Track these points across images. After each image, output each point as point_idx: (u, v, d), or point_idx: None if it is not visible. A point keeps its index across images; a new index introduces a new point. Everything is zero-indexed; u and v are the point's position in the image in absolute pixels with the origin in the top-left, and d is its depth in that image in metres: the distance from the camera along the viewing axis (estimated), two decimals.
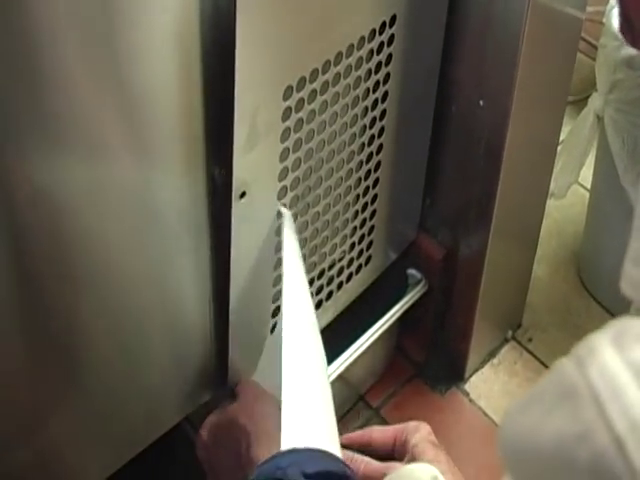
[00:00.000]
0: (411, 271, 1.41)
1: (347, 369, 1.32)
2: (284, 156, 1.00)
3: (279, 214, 1.02)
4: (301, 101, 0.98)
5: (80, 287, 0.88)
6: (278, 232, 1.03)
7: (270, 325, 1.13)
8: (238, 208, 0.95)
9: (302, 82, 0.96)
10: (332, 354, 1.29)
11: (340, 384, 1.37)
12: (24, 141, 0.75)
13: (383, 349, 1.47)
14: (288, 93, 0.95)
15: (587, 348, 0.45)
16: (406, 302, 1.39)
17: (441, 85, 1.24)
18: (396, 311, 1.38)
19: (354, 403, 1.50)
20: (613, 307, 1.62)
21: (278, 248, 1.03)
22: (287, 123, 0.97)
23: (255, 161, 0.94)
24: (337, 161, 1.11)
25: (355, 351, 1.33)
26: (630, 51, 1.36)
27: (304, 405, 0.88)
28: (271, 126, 0.95)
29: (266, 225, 1.02)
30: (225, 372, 1.11)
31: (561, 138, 1.43)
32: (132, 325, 0.96)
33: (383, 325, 1.36)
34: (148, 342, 1.00)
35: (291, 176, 1.03)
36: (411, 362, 1.55)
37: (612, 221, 1.57)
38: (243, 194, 0.94)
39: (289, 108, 0.96)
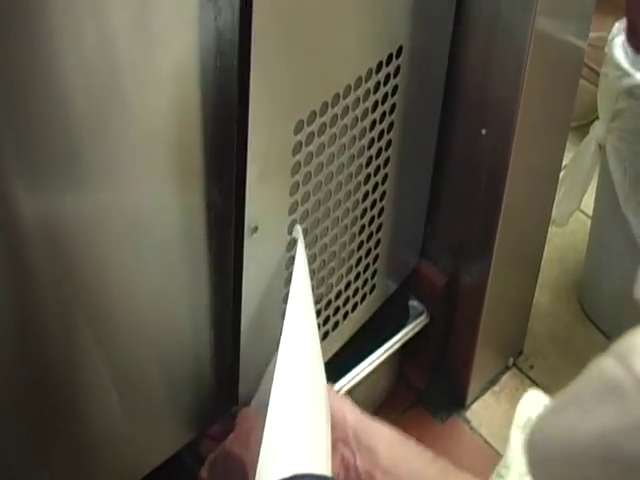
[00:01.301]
0: (413, 302, 1.41)
1: (349, 396, 1.32)
2: (294, 190, 1.00)
3: (293, 232, 1.02)
4: (311, 135, 0.98)
5: (78, 317, 0.88)
6: (288, 265, 1.03)
7: None
8: (250, 242, 0.94)
9: (312, 116, 0.97)
10: (333, 381, 1.28)
11: None
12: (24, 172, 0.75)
13: (384, 377, 1.47)
14: (299, 127, 0.95)
15: (628, 345, 0.45)
16: (407, 332, 1.39)
17: (443, 114, 1.25)
18: (397, 340, 1.37)
19: None
20: (614, 334, 1.60)
21: (288, 281, 1.03)
22: (297, 157, 0.97)
23: (266, 196, 0.95)
24: (344, 193, 1.11)
25: (356, 378, 1.32)
26: (632, 80, 1.36)
27: (288, 423, 0.88)
28: (282, 161, 0.96)
29: (276, 259, 1.02)
30: (225, 401, 1.11)
31: (564, 163, 1.43)
32: (130, 355, 0.96)
33: (384, 354, 1.36)
34: (147, 371, 1.00)
35: (300, 209, 1.03)
36: (412, 389, 1.54)
37: (613, 249, 1.57)
38: (255, 229, 0.94)
39: (300, 142, 0.97)
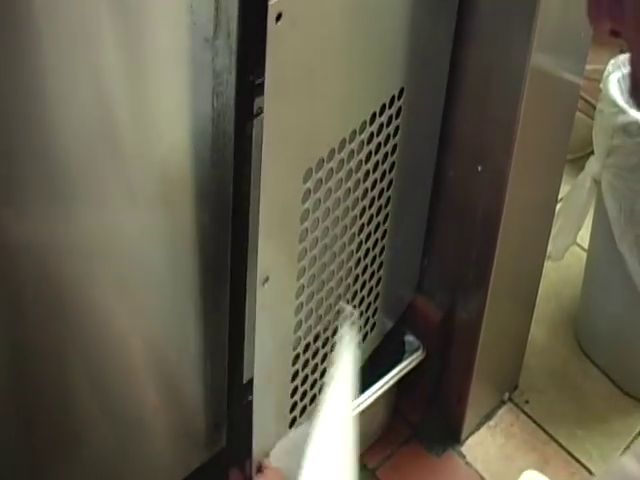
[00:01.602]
0: (409, 337, 1.41)
1: None
2: (303, 237, 1.00)
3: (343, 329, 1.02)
4: (319, 181, 0.99)
5: (69, 355, 0.88)
6: (297, 311, 1.03)
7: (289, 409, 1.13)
8: (261, 293, 0.94)
9: (320, 163, 0.98)
10: None
11: None
12: None
13: (380, 412, 1.46)
14: (308, 175, 0.96)
15: None
16: (403, 368, 1.39)
17: (439, 151, 1.25)
18: (393, 376, 1.37)
19: None
20: (610, 370, 1.62)
21: (297, 327, 1.04)
22: (306, 205, 0.98)
23: (277, 246, 0.95)
24: (349, 236, 1.12)
25: (352, 413, 1.32)
26: (627, 117, 1.37)
27: None
28: (292, 210, 0.96)
29: (287, 305, 1.02)
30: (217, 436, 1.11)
31: (559, 196, 1.43)
32: (127, 399, 0.96)
33: (380, 389, 1.35)
34: (142, 411, 1.00)
35: (309, 255, 1.03)
36: (408, 424, 1.54)
37: (609, 284, 1.57)
38: (267, 279, 0.93)
39: (308, 190, 0.97)
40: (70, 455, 0.95)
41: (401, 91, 1.08)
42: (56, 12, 0.70)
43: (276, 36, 0.78)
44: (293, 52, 0.84)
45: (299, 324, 1.03)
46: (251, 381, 1.16)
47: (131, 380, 0.96)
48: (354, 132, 1.02)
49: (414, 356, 1.41)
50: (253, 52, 0.87)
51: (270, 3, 0.76)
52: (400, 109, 1.10)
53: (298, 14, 0.81)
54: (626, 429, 1.56)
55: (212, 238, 0.93)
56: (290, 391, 1.12)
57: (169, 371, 1.01)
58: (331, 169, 1.00)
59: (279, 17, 0.78)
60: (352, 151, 1.03)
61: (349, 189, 1.06)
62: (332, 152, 0.99)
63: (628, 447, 1.53)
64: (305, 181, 0.96)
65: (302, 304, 1.04)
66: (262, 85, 0.96)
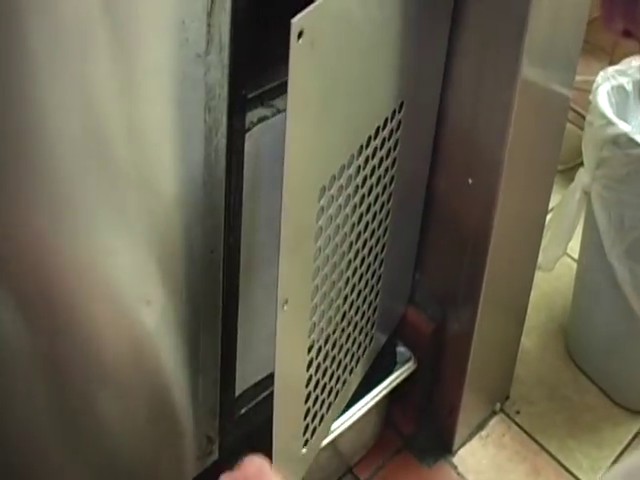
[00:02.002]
0: (400, 349, 1.41)
1: (336, 441, 1.32)
2: (316, 255, 1.00)
3: None
4: (331, 198, 0.99)
5: (68, 374, 0.89)
6: (310, 332, 1.04)
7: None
8: (282, 316, 0.94)
9: (332, 180, 0.98)
10: None
11: (329, 456, 1.36)
12: None
13: (372, 423, 1.47)
14: (322, 193, 0.96)
15: None
16: (395, 379, 1.39)
17: (431, 165, 1.26)
18: (385, 387, 1.38)
19: (343, 474, 1.49)
20: (601, 380, 1.62)
21: (310, 348, 1.05)
22: (320, 222, 0.98)
23: (294, 267, 0.95)
24: (354, 251, 1.12)
25: (344, 425, 1.32)
26: (616, 129, 1.37)
27: None
28: (307, 229, 0.96)
29: (303, 327, 1.02)
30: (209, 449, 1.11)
31: (550, 206, 1.44)
32: (119, 412, 0.97)
33: (372, 400, 1.36)
34: (134, 424, 1.00)
35: (321, 274, 1.03)
36: (400, 435, 1.54)
37: (599, 295, 1.58)
38: (286, 301, 0.93)
39: (322, 207, 0.97)
40: (63, 468, 0.95)
41: (401, 105, 1.09)
42: (49, 27, 0.70)
43: (298, 53, 0.79)
44: (312, 70, 0.84)
45: (312, 345, 1.03)
46: (242, 395, 1.16)
47: (123, 393, 0.96)
48: (361, 147, 1.03)
49: (405, 367, 1.41)
50: (245, 67, 0.88)
51: (293, 21, 0.76)
52: (400, 123, 1.10)
53: (317, 33, 0.81)
54: (617, 439, 1.56)
55: (204, 254, 0.94)
56: (303, 414, 1.12)
57: (162, 384, 1.01)
58: (341, 186, 1.01)
59: (300, 34, 0.78)
60: (358, 167, 1.04)
61: (355, 205, 1.07)
62: (342, 169, 0.99)
63: (619, 457, 1.54)
64: (319, 199, 0.96)
65: (315, 324, 1.04)
66: (255, 99, 0.97)
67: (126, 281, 0.88)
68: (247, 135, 0.94)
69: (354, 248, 1.11)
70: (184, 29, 0.80)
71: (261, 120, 0.97)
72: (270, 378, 1.17)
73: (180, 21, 0.79)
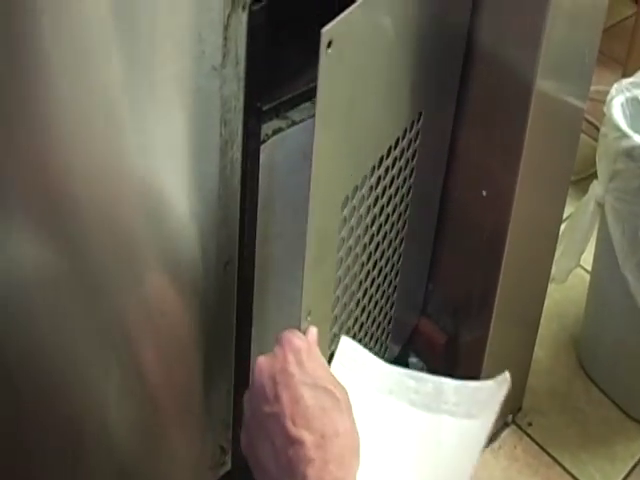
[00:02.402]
0: (412, 359, 1.41)
1: None
2: (338, 266, 1.01)
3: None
4: (353, 209, 0.99)
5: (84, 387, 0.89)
6: (330, 344, 1.03)
7: None
8: (306, 327, 0.92)
9: (355, 190, 0.98)
10: None
11: None
12: None
13: None
14: (345, 203, 0.96)
15: None
16: None
17: (445, 176, 1.26)
18: None
19: None
20: (613, 392, 1.62)
21: (330, 359, 1.04)
22: (342, 233, 0.98)
23: (318, 278, 0.95)
24: (372, 261, 1.12)
25: None
26: (631, 142, 1.37)
27: None
28: (330, 240, 0.96)
29: (323, 340, 1.01)
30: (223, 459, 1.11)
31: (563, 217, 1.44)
32: (134, 422, 0.97)
33: None
34: (148, 434, 1.00)
35: (342, 285, 1.03)
36: None
37: (612, 306, 1.57)
38: (309, 313, 0.93)
39: (344, 218, 0.98)
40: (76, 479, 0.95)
41: (419, 115, 1.09)
42: (65, 37, 0.70)
43: (327, 62, 0.79)
44: (340, 79, 0.84)
45: (330, 358, 1.02)
46: None
47: (137, 402, 0.96)
48: (381, 158, 1.03)
49: None
50: (261, 79, 0.88)
51: (323, 30, 0.77)
52: (418, 133, 1.11)
53: (346, 42, 0.82)
54: (630, 453, 1.56)
55: (218, 266, 0.94)
56: None
57: (175, 394, 1.01)
58: (362, 196, 1.01)
59: (330, 44, 0.79)
60: (379, 177, 1.04)
61: (375, 215, 1.07)
62: (364, 179, 1.00)
63: (632, 471, 1.53)
64: (342, 209, 0.96)
65: (335, 335, 1.04)
66: (270, 111, 0.97)
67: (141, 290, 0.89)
68: (262, 147, 0.94)
69: (373, 258, 1.11)
70: (200, 41, 0.80)
71: (276, 132, 0.97)
72: None
73: (197, 34, 0.79)
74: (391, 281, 1.22)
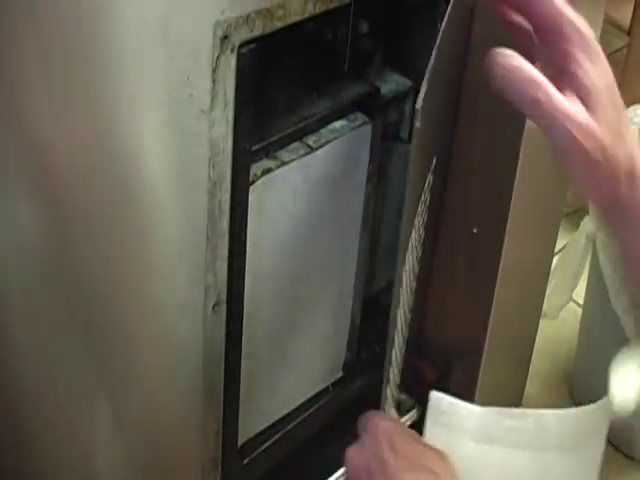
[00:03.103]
0: (402, 397, 1.40)
1: None
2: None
3: None
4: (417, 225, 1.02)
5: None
6: None
7: None
8: None
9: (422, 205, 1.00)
10: None
11: None
12: None
13: None
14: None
15: None
16: None
17: (436, 213, 1.25)
18: None
19: None
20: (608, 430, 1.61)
21: None
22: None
23: None
24: None
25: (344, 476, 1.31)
26: None
27: None
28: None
29: None
30: None
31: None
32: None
33: None
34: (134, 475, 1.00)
35: None
36: None
37: (604, 342, 1.56)
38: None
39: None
40: None
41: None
42: (55, 81, 0.70)
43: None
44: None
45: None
46: (244, 445, 1.15)
47: (122, 451, 0.95)
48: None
49: (408, 416, 1.39)
50: (250, 121, 0.88)
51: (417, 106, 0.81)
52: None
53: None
54: None
55: (206, 308, 0.93)
56: None
57: (161, 437, 1.00)
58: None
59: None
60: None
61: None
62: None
63: None
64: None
65: None
66: (259, 151, 0.97)
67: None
68: (251, 188, 0.94)
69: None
70: (188, 85, 0.79)
71: (265, 172, 0.97)
72: (272, 428, 1.18)
73: (185, 77, 0.79)
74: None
